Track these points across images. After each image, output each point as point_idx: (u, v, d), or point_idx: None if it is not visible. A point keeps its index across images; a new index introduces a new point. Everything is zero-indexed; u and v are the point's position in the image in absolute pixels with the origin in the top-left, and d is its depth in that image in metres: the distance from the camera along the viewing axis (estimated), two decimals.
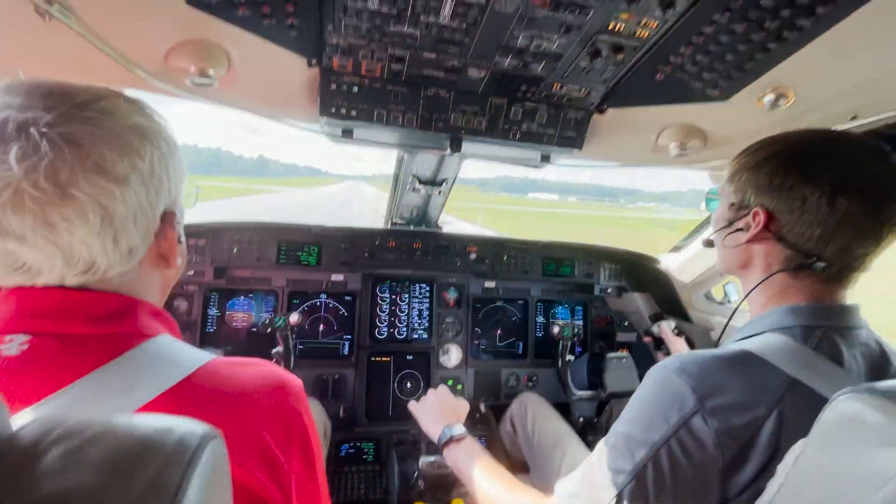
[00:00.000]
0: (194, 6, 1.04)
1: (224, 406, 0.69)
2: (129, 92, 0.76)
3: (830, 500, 0.65)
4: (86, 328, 0.67)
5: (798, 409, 0.82)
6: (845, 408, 0.66)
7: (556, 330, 2.34)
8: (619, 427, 0.96)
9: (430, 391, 1.79)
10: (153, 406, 0.63)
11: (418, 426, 2.41)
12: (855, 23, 0.95)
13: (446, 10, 1.14)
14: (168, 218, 0.79)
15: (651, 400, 0.93)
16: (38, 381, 0.61)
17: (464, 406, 1.72)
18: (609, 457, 0.93)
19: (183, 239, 0.88)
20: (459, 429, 1.51)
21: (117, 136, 0.67)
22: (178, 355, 0.72)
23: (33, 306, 0.66)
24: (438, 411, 1.64)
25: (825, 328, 0.93)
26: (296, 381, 0.81)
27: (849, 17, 0.95)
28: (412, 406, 1.80)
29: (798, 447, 0.73)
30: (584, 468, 0.99)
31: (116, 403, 0.61)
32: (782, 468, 0.74)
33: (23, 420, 0.35)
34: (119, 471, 0.30)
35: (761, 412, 0.83)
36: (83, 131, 0.63)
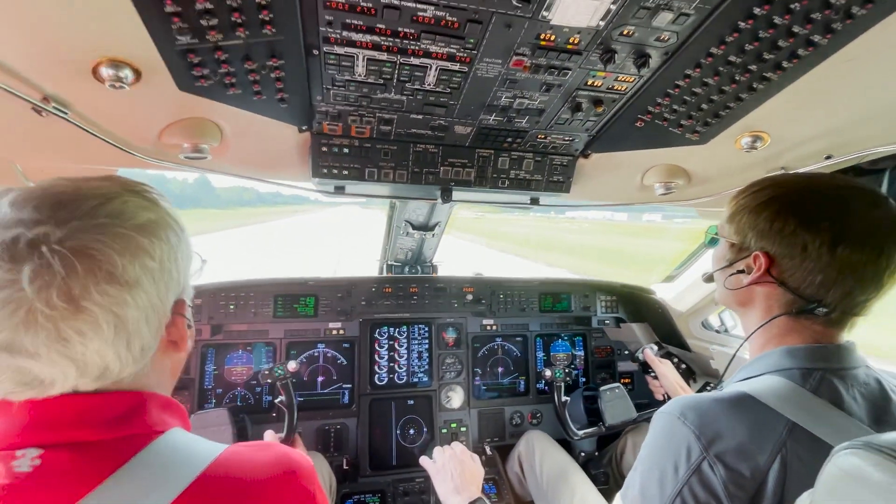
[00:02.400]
0: (187, 91, 1.07)
1: (241, 498, 0.69)
2: (125, 172, 0.76)
3: None
4: (97, 434, 0.66)
5: (800, 456, 0.82)
6: (845, 464, 0.66)
7: (548, 374, 2.29)
8: (634, 479, 0.96)
9: (448, 450, 1.75)
10: None
11: (423, 475, 2.38)
12: (822, 73, 1.01)
13: (431, 77, 1.19)
14: (179, 307, 0.79)
15: (660, 448, 0.93)
16: (52, 496, 0.60)
17: (480, 470, 1.69)
18: None
19: (192, 322, 0.87)
20: None
21: (127, 240, 0.67)
22: (190, 451, 0.72)
23: (44, 417, 0.65)
24: (459, 479, 1.60)
25: (823, 370, 0.93)
26: (306, 461, 0.81)
27: (815, 69, 1.00)
28: (426, 464, 1.76)
29: (805, 500, 0.73)
30: None
31: None
32: None
33: None
34: None
35: (764, 459, 0.83)
36: (94, 242, 0.63)
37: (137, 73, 0.97)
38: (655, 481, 0.90)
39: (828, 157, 1.35)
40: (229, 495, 0.69)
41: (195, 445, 0.73)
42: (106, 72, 0.92)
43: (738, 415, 0.89)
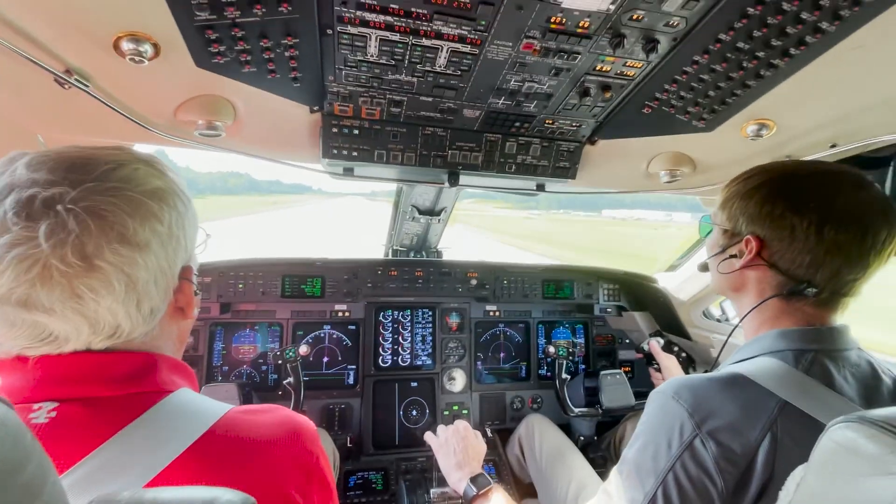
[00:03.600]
0: (204, 67, 1.10)
1: (245, 456, 0.72)
2: (142, 147, 0.79)
3: None
4: (109, 390, 0.70)
5: (791, 433, 0.85)
6: (839, 437, 0.68)
7: (551, 349, 2.40)
8: (629, 454, 1.00)
9: (451, 427, 1.78)
10: (180, 461, 0.66)
11: (426, 454, 2.43)
12: (829, 60, 1.02)
13: (441, 59, 1.20)
14: (186, 273, 0.82)
15: (654, 426, 0.97)
16: (67, 447, 0.63)
17: (482, 447, 1.73)
18: (623, 486, 0.97)
19: (198, 290, 0.91)
20: (484, 480, 1.50)
21: (138, 204, 0.70)
22: (198, 409, 0.75)
23: (58, 373, 0.68)
24: (461, 454, 1.64)
25: (815, 351, 0.96)
26: (309, 425, 0.84)
27: (822, 56, 1.01)
28: (430, 439, 1.80)
29: (798, 473, 0.75)
30: (599, 498, 1.03)
31: (145, 462, 0.64)
32: (784, 495, 0.76)
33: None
34: None
35: (755, 435, 0.86)
36: (106, 203, 0.66)
37: (157, 48, 0.99)
38: (649, 457, 0.94)
39: (833, 146, 1.37)
40: (235, 453, 0.71)
41: (203, 404, 0.77)
42: (126, 45, 0.95)
43: (731, 394, 0.92)
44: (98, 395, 0.69)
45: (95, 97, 1.09)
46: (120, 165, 0.71)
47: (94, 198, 0.66)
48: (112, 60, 0.99)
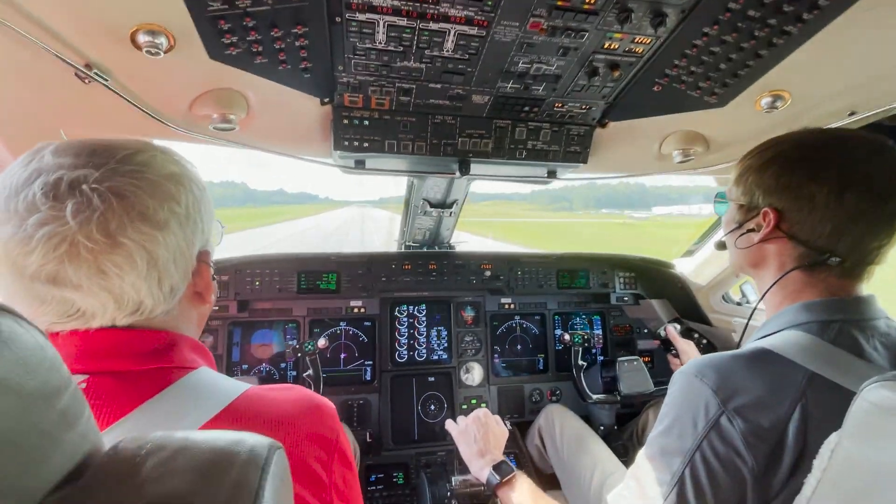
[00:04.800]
0: (217, 59, 1.12)
1: (266, 429, 0.73)
2: (157, 141, 0.83)
3: (870, 490, 0.65)
4: (135, 364, 0.73)
5: (821, 404, 0.83)
6: (875, 397, 0.66)
7: (566, 337, 2.42)
8: (654, 437, 0.99)
9: (472, 414, 1.78)
10: (208, 427, 0.68)
11: (445, 448, 2.43)
12: (843, 25, 1.00)
13: (449, 43, 1.21)
14: (203, 256, 0.85)
15: (678, 406, 0.95)
16: (97, 414, 0.66)
17: (504, 432, 1.72)
18: (650, 468, 0.95)
19: (215, 276, 0.93)
20: (507, 468, 1.49)
21: (156, 186, 0.73)
22: (219, 385, 0.77)
23: (89, 347, 0.72)
24: (482, 441, 1.64)
25: (841, 322, 0.94)
26: (328, 403, 0.86)
27: (836, 20, 0.99)
28: (451, 427, 1.80)
29: (833, 440, 0.73)
30: (627, 484, 1.01)
31: (170, 429, 0.66)
32: (818, 462, 0.75)
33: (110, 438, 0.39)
34: (207, 476, 0.35)
35: (784, 409, 0.84)
36: (127, 184, 0.69)
37: (172, 40, 1.02)
38: (675, 437, 0.92)
39: (851, 114, 1.34)
40: (256, 426, 0.73)
41: (224, 381, 0.79)
42: (143, 38, 0.98)
43: (757, 369, 0.90)
44: (125, 368, 0.72)
45: (115, 91, 1.12)
46: (138, 151, 0.75)
47: (117, 178, 0.69)
48: (130, 54, 1.02)
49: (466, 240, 2.93)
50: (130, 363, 0.72)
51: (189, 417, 0.69)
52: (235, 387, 0.78)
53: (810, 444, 0.81)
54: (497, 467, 1.50)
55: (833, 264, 0.96)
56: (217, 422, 0.70)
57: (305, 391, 0.84)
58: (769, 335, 1.00)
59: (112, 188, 0.68)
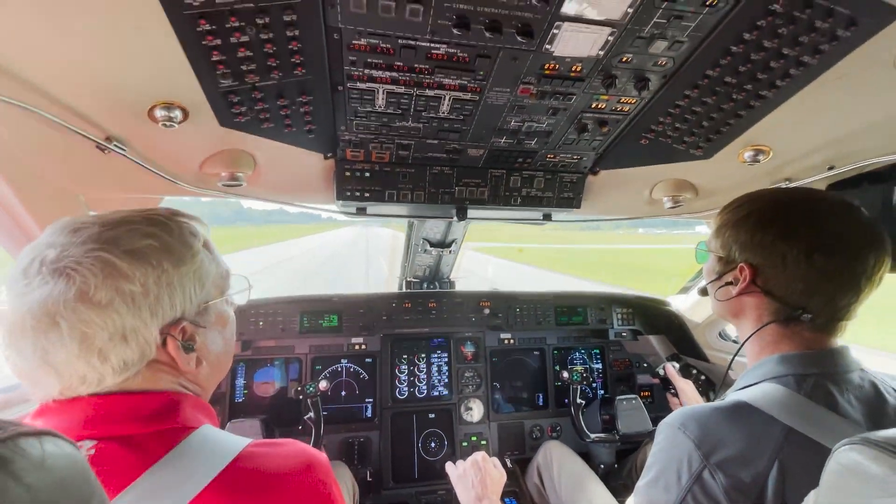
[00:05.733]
0: (227, 126, 1.19)
1: (264, 487, 0.77)
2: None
3: None
4: (141, 427, 0.76)
5: (798, 459, 0.86)
6: (845, 460, 0.69)
7: (564, 375, 2.42)
8: (642, 486, 1.01)
9: (469, 459, 1.79)
10: (206, 493, 0.71)
11: (445, 487, 2.41)
12: (817, 89, 1.06)
13: (445, 106, 1.29)
14: (169, 329, 0.81)
15: (663, 458, 0.98)
16: (106, 482, 0.68)
17: (502, 476, 1.73)
18: None
19: (192, 346, 0.86)
20: None
21: (105, 264, 0.73)
22: (220, 443, 0.80)
23: (94, 413, 0.75)
24: (479, 486, 1.64)
25: (816, 375, 0.97)
26: (322, 457, 0.88)
27: (809, 85, 1.06)
28: (450, 470, 1.81)
29: (811, 498, 0.75)
30: None
31: (175, 496, 0.69)
32: None
33: None
34: None
35: (763, 463, 0.86)
36: (74, 263, 0.72)
37: (185, 113, 1.09)
38: (661, 489, 0.95)
39: (830, 168, 1.40)
40: (254, 483, 0.76)
41: (224, 439, 0.82)
42: (160, 113, 1.05)
43: (737, 423, 0.93)
44: (132, 432, 0.75)
45: (131, 159, 1.19)
46: (113, 227, 0.77)
47: (69, 258, 0.72)
48: (147, 126, 1.09)
49: (467, 275, 2.96)
50: (137, 426, 0.76)
51: (192, 480, 0.72)
52: (235, 444, 0.81)
53: (789, 499, 0.83)
54: None
55: (805, 320, 1.00)
56: (218, 482, 0.73)
57: (299, 446, 0.87)
58: (748, 386, 1.03)
59: (58, 269, 0.71)
